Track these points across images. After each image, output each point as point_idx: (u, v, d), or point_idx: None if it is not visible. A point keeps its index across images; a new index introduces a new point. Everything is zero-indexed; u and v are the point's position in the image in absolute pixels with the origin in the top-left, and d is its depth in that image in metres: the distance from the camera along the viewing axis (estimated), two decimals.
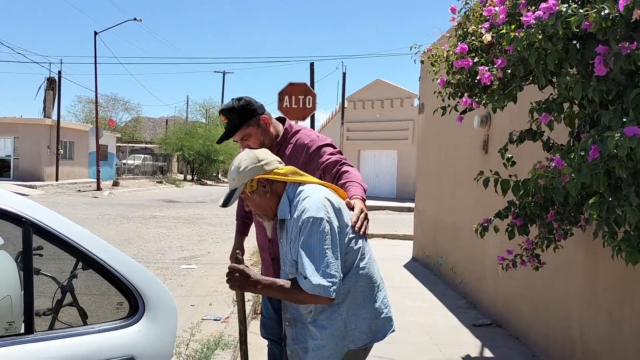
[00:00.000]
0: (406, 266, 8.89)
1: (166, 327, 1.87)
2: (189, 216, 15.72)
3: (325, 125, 34.29)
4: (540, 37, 2.32)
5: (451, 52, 3.25)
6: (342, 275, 2.03)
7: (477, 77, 2.86)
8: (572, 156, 2.18)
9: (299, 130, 2.89)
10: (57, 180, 27.07)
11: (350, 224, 2.13)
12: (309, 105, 9.01)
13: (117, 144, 38.74)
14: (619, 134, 1.86)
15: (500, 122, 5.51)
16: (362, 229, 2.16)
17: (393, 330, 2.25)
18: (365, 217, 2.21)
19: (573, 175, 2.11)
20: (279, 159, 2.23)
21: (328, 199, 2.06)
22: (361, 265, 2.12)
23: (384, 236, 12.28)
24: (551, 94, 2.81)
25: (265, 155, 2.19)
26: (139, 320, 1.82)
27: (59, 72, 29.53)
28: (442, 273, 7.82)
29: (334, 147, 2.82)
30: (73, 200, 19.79)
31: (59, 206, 16.28)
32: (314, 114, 9.60)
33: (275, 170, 2.14)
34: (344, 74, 26.97)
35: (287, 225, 2.11)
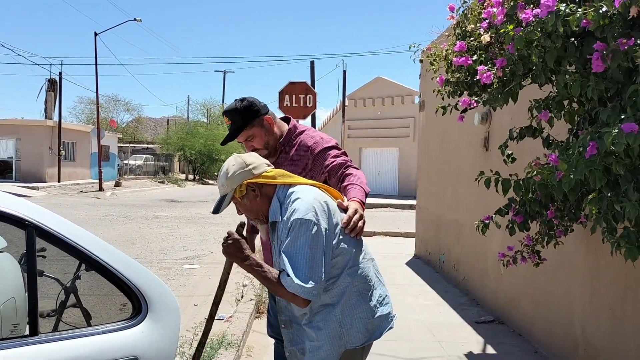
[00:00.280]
0: (408, 264, 8.91)
1: (169, 327, 1.89)
2: (191, 216, 15.75)
3: (326, 123, 34.29)
4: (539, 34, 2.33)
5: (450, 51, 3.25)
6: (327, 277, 2.03)
7: (477, 77, 2.87)
8: (570, 153, 2.19)
9: (304, 131, 2.85)
10: (59, 181, 27.12)
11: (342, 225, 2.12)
12: (309, 104, 9.01)
13: (119, 145, 38.77)
14: (616, 130, 1.87)
15: (501, 119, 5.51)
16: (354, 232, 2.14)
17: (391, 327, 2.24)
18: (360, 219, 2.18)
19: (567, 171, 2.11)
20: (268, 162, 2.22)
21: (318, 201, 2.05)
22: (355, 265, 2.12)
23: (385, 234, 12.29)
24: (550, 92, 2.82)
25: (253, 159, 2.18)
26: (142, 321, 1.83)
27: (60, 73, 29.60)
28: (444, 270, 7.83)
29: (339, 149, 2.78)
30: (75, 201, 19.83)
31: (62, 207, 16.32)
32: (314, 112, 9.61)
33: (264, 174, 2.14)
34: (345, 72, 26.98)
35: (278, 227, 2.10)
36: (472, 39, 3.08)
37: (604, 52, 2.13)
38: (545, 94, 2.90)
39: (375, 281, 2.23)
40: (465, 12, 3.28)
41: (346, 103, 26.15)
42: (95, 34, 25.91)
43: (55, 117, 28.94)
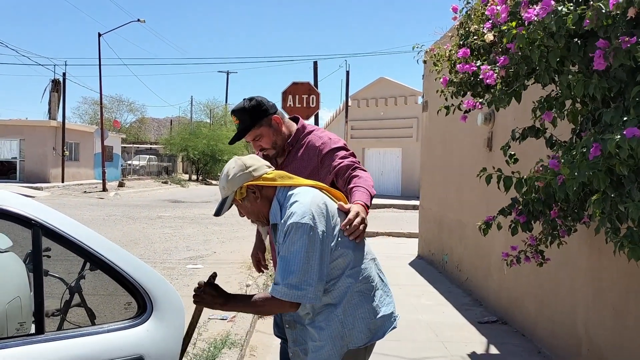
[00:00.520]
0: (411, 264, 8.91)
1: (174, 326, 1.90)
2: (194, 216, 15.77)
3: (329, 123, 34.30)
4: (542, 34, 2.33)
5: (453, 52, 3.26)
6: (328, 279, 2.04)
7: (480, 77, 2.87)
8: (574, 153, 2.19)
9: (312, 131, 2.83)
10: (62, 181, 27.19)
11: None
12: (312, 104, 9.03)
13: (122, 145, 38.85)
14: (619, 136, 1.87)
15: (504, 119, 5.51)
16: (353, 235, 2.12)
17: (394, 327, 2.24)
18: (361, 222, 2.15)
19: (570, 175, 2.12)
20: (268, 164, 2.23)
21: (316, 203, 2.04)
22: (357, 266, 2.12)
23: (389, 234, 12.28)
24: (553, 91, 2.82)
25: (253, 161, 2.19)
26: (147, 319, 1.84)
27: (64, 74, 29.63)
28: (447, 270, 7.83)
29: (347, 150, 2.75)
30: (79, 202, 19.89)
31: (65, 207, 16.36)
32: (318, 113, 9.61)
33: (264, 176, 2.14)
34: (348, 72, 27.09)
35: (279, 229, 2.11)
36: (475, 37, 3.08)
37: (606, 50, 2.13)
38: (548, 94, 2.90)
39: (377, 281, 2.22)
40: (468, 12, 3.28)
41: (349, 103, 26.15)
42: (99, 35, 25.99)
43: (59, 118, 29.01)
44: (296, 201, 2.04)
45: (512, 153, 3.31)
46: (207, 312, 5.33)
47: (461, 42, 3.24)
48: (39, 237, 1.74)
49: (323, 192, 2.19)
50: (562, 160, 2.28)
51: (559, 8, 2.22)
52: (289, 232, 1.99)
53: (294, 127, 2.83)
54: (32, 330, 1.89)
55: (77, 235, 1.80)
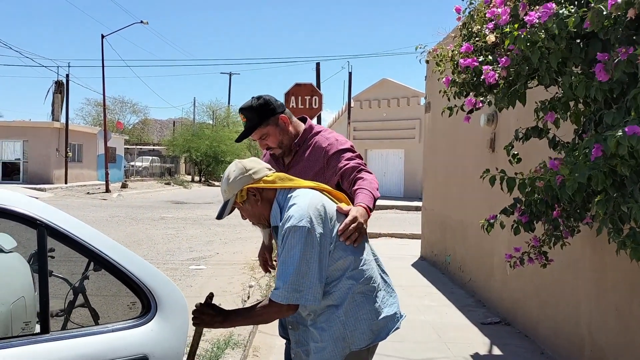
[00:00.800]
0: (414, 265, 8.90)
1: (178, 326, 1.90)
2: (197, 217, 15.79)
3: (331, 125, 34.30)
4: (543, 36, 2.34)
5: (456, 52, 3.26)
6: (328, 281, 2.05)
7: (482, 77, 2.88)
8: (576, 154, 2.20)
9: (319, 132, 2.83)
10: (66, 182, 27.25)
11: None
12: (315, 105, 9.04)
13: (125, 146, 38.93)
14: (620, 133, 1.88)
15: (507, 120, 5.51)
16: (349, 240, 2.10)
17: (397, 328, 2.23)
18: (357, 227, 2.12)
19: (569, 175, 2.12)
20: (269, 166, 2.23)
21: (314, 205, 2.04)
22: (358, 267, 2.12)
23: (391, 235, 12.28)
24: (556, 93, 2.82)
25: (253, 164, 2.20)
26: (152, 319, 1.85)
27: (67, 76, 29.73)
28: (450, 271, 7.83)
29: (353, 152, 2.75)
30: (82, 203, 19.93)
31: (69, 209, 16.39)
32: (320, 114, 9.63)
33: (264, 178, 2.15)
34: (350, 73, 27.02)
35: (279, 231, 2.11)
36: (477, 39, 3.09)
37: (607, 62, 2.14)
38: (551, 96, 2.90)
39: (380, 282, 2.22)
40: (471, 13, 3.29)
41: (352, 104, 26.16)
42: (102, 36, 26.07)
43: (62, 119, 29.08)
44: (294, 204, 2.05)
45: (515, 153, 3.31)
46: None
47: (464, 43, 3.25)
48: (44, 237, 1.75)
49: (324, 194, 2.19)
50: (564, 162, 2.28)
51: (560, 11, 2.22)
52: (287, 235, 2.00)
53: (302, 127, 2.83)
54: (37, 330, 1.90)
55: (82, 235, 1.81)
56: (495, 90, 3.03)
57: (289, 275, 1.97)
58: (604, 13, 2.09)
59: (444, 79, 3.38)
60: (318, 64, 19.54)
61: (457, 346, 4.84)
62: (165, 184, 34.26)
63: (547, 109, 2.80)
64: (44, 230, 1.75)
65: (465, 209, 7.15)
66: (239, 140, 2.90)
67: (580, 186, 2.14)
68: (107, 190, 25.06)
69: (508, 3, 2.71)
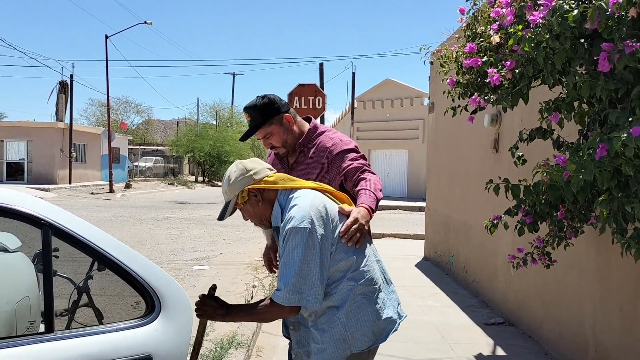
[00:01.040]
0: (417, 265, 8.90)
1: (182, 325, 1.91)
2: (200, 217, 15.81)
3: (335, 125, 34.30)
4: (547, 36, 2.33)
5: (460, 53, 3.26)
6: (330, 282, 2.05)
7: (487, 79, 2.87)
8: (580, 154, 2.19)
9: (324, 132, 2.82)
10: (70, 183, 27.32)
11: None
12: (318, 105, 9.05)
13: (129, 147, 39.03)
14: (625, 134, 1.87)
15: (511, 120, 5.50)
16: (351, 242, 2.09)
17: (395, 330, 2.22)
18: (359, 229, 2.11)
19: (575, 172, 2.12)
20: (270, 166, 2.23)
21: (315, 206, 2.04)
22: (359, 269, 2.11)
23: (395, 236, 12.27)
24: (560, 93, 2.82)
25: (254, 164, 2.19)
26: (156, 319, 1.85)
27: (71, 76, 29.83)
28: (453, 272, 7.82)
29: (357, 152, 2.74)
30: (86, 203, 19.98)
31: (73, 209, 16.43)
32: (323, 114, 9.64)
33: (265, 179, 2.15)
34: (354, 74, 26.97)
35: (280, 232, 2.10)
36: (482, 39, 3.09)
37: (611, 52, 2.13)
38: (555, 96, 2.90)
39: (381, 283, 2.21)
40: (475, 14, 3.28)
41: (355, 105, 26.15)
42: (106, 37, 26.11)
43: (67, 120, 29.18)
44: (295, 205, 2.04)
45: (520, 154, 3.30)
46: None
47: (468, 43, 3.24)
48: (49, 237, 1.75)
49: (326, 195, 2.19)
50: (569, 160, 2.27)
51: (560, 3, 2.22)
52: (288, 236, 1.99)
53: (306, 126, 2.82)
54: (42, 329, 1.91)
55: (86, 235, 1.82)
56: (499, 91, 3.03)
57: (290, 277, 1.97)
58: (607, 13, 2.09)
59: (448, 80, 3.38)
60: (321, 65, 19.51)
61: (460, 347, 4.83)
62: (168, 184, 34.32)
63: (552, 109, 2.79)
64: (49, 230, 1.76)
65: (468, 209, 7.14)
66: (243, 139, 2.90)
67: (585, 185, 2.13)
68: (111, 191, 25.12)
69: (513, 4, 2.71)
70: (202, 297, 2.11)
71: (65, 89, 30.61)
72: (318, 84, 12.45)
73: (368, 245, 2.22)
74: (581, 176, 2.08)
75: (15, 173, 28.18)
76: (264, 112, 2.68)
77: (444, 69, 3.45)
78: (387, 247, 10.19)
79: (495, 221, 3.29)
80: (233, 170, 2.18)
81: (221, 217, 2.21)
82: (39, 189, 23.19)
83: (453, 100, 3.44)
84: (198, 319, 2.15)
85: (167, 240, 11.09)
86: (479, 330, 5.37)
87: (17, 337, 1.78)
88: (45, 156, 27.69)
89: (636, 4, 2.00)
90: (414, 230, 12.69)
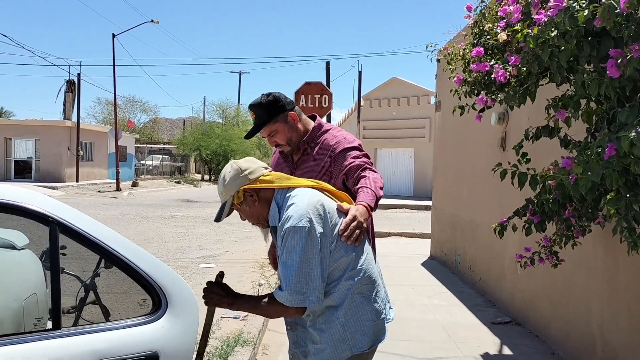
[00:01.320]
0: (424, 264, 8.88)
1: (188, 323, 1.91)
2: (207, 215, 15.84)
3: (341, 124, 34.28)
4: (553, 34, 2.32)
5: (467, 50, 3.25)
6: (329, 281, 2.03)
7: (493, 76, 2.86)
8: (588, 153, 2.18)
9: (328, 130, 2.82)
10: (77, 181, 27.47)
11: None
12: (325, 104, 9.04)
13: (136, 145, 39.16)
14: (633, 134, 1.86)
15: (518, 119, 5.48)
16: (350, 240, 2.07)
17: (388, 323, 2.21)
18: (357, 227, 2.10)
19: (582, 174, 2.10)
20: (265, 165, 2.21)
21: (313, 205, 2.02)
22: (357, 267, 2.08)
23: (401, 234, 12.25)
24: (567, 90, 2.80)
25: (249, 164, 2.17)
26: (162, 316, 1.86)
27: (78, 75, 30.02)
28: (460, 271, 7.80)
29: (360, 150, 2.74)
30: (93, 201, 20.06)
31: (80, 207, 16.50)
32: (330, 113, 9.63)
33: (261, 178, 2.13)
34: (360, 72, 26.96)
35: (278, 231, 2.09)
36: (489, 37, 3.07)
37: (619, 58, 2.11)
38: (562, 93, 2.88)
39: (379, 282, 2.20)
40: (482, 11, 3.27)
41: (361, 103, 26.12)
42: (113, 36, 26.21)
43: (74, 118, 29.31)
44: (292, 204, 2.02)
45: (525, 152, 3.29)
46: (219, 311, 5.37)
47: (475, 41, 3.23)
48: (56, 234, 1.76)
49: (324, 193, 2.17)
50: (576, 160, 2.26)
51: (572, 4, 2.20)
52: (287, 236, 1.97)
53: (311, 124, 2.82)
54: (49, 326, 1.92)
55: (93, 233, 1.83)
56: (506, 89, 3.02)
57: (291, 277, 1.95)
58: (617, 10, 2.07)
59: (455, 78, 3.36)
60: (328, 63, 19.52)
61: (467, 346, 4.82)
62: (175, 182, 34.42)
63: (559, 107, 2.77)
64: (56, 227, 1.77)
65: (475, 208, 7.12)
66: (248, 136, 2.90)
67: (593, 185, 2.12)
68: (118, 189, 25.22)
69: (520, 1, 2.69)
70: (209, 284, 2.10)
71: (72, 87, 30.76)
72: (324, 83, 12.45)
73: (366, 243, 2.19)
74: (586, 178, 2.07)
75: (23, 171, 28.36)
76: (269, 110, 2.68)
77: (450, 66, 3.44)
78: (393, 246, 10.18)
79: (503, 224, 3.27)
80: (228, 171, 2.15)
81: (218, 219, 2.20)
82: (46, 187, 23.31)
83: (460, 99, 3.42)
84: (205, 308, 2.14)
85: (174, 238, 11.12)
86: (485, 329, 5.36)
87: (25, 334, 1.79)
88: (52, 154, 27.84)
89: None
90: (421, 229, 12.67)
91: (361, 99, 26.22)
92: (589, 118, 2.77)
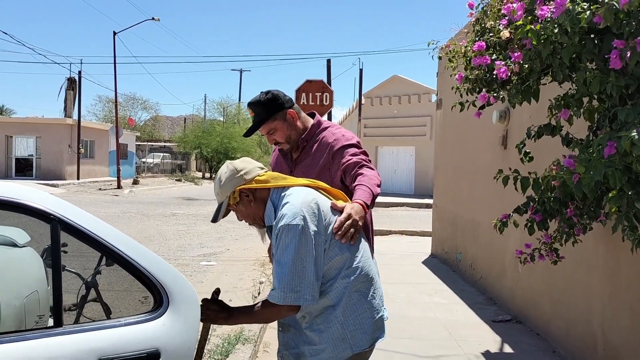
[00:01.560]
0: (425, 262, 8.88)
1: (190, 320, 1.91)
2: (207, 213, 15.83)
3: (342, 121, 34.26)
4: (556, 31, 2.31)
5: (469, 48, 3.24)
6: (325, 280, 2.02)
7: (495, 72, 2.85)
8: (590, 151, 2.18)
9: (327, 128, 2.81)
10: (78, 179, 27.48)
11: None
12: (326, 102, 9.04)
13: (137, 143, 39.18)
14: (634, 133, 1.86)
15: (520, 117, 5.47)
16: (345, 238, 2.06)
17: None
18: (352, 225, 2.08)
19: (585, 173, 2.10)
20: (261, 165, 2.21)
21: (307, 203, 2.01)
22: (353, 265, 2.07)
23: (402, 232, 12.24)
24: (570, 89, 2.80)
25: (245, 164, 2.17)
26: (164, 313, 1.86)
27: (79, 72, 29.96)
28: (461, 269, 7.80)
29: (359, 148, 2.73)
30: (94, 199, 20.07)
31: (81, 204, 16.42)
32: (331, 110, 9.63)
33: (257, 178, 2.13)
34: (361, 70, 26.96)
35: (273, 230, 2.08)
36: (491, 34, 3.07)
37: (623, 49, 2.11)
38: (564, 92, 2.88)
39: (377, 279, 2.19)
40: (484, 8, 3.26)
41: (362, 101, 26.11)
42: (114, 33, 26.18)
43: (75, 116, 29.32)
44: (287, 203, 2.02)
45: (527, 151, 3.28)
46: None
47: (477, 39, 3.22)
48: (58, 231, 1.76)
49: (319, 191, 2.16)
50: (578, 159, 2.26)
51: (572, 7, 2.20)
52: (281, 234, 1.97)
53: (310, 122, 2.82)
54: (50, 324, 1.92)
55: (95, 230, 1.82)
56: (508, 87, 3.01)
57: (284, 275, 1.94)
58: (619, 8, 2.07)
59: (456, 76, 3.36)
60: (329, 61, 19.55)
61: (467, 344, 4.82)
62: (176, 180, 34.43)
63: (561, 105, 2.77)
64: (58, 224, 1.77)
65: (476, 206, 7.12)
66: (247, 134, 2.90)
67: (596, 183, 2.11)
68: (119, 187, 25.23)
69: None
70: (205, 301, 2.09)
71: (73, 85, 30.78)
72: (325, 81, 12.44)
73: (363, 241, 2.18)
74: (589, 177, 2.07)
75: (24, 169, 28.38)
76: (268, 107, 2.68)
77: (452, 64, 3.43)
78: (394, 244, 10.17)
79: (504, 220, 3.27)
80: (224, 172, 2.16)
81: (215, 219, 2.20)
82: (47, 184, 23.33)
83: (461, 96, 3.42)
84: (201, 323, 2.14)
85: (175, 236, 11.13)
86: (486, 327, 5.36)
87: (26, 331, 1.79)
88: (53, 152, 27.86)
89: None
90: (421, 227, 12.66)
91: (362, 97, 26.21)
92: (591, 116, 2.76)
